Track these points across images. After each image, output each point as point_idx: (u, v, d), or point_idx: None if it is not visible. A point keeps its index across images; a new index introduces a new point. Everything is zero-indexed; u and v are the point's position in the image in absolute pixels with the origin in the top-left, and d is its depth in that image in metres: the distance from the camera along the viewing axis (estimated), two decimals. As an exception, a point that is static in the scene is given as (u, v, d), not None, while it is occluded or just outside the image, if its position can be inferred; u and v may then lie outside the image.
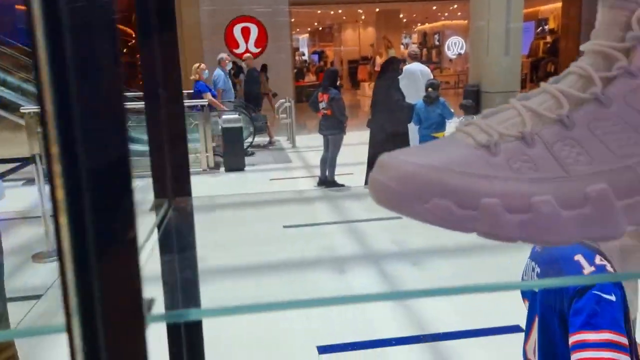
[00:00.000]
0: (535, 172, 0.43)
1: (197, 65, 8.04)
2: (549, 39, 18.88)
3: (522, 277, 1.34)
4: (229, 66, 8.75)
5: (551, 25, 19.09)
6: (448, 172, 0.43)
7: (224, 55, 8.97)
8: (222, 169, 7.54)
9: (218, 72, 8.55)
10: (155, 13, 0.59)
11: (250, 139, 8.33)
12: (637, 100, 0.44)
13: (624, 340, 1.08)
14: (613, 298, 1.09)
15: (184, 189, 0.63)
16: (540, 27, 19.68)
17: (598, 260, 1.13)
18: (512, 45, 10.96)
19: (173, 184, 0.61)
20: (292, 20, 14.82)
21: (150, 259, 0.52)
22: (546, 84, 0.48)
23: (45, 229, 4.58)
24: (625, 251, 1.44)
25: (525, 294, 1.41)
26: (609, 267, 1.11)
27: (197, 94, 7.80)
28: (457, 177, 0.43)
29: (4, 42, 8.78)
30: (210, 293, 0.56)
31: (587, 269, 1.11)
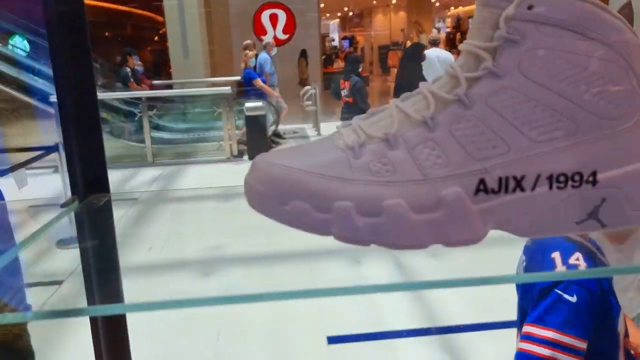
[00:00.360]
0: (392, 175, 0.43)
1: (245, 52, 8.16)
2: None
3: (517, 270, 1.33)
4: (274, 51, 8.82)
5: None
6: (308, 175, 0.43)
7: (269, 40, 9.04)
8: (246, 157, 7.59)
9: (264, 56, 8.62)
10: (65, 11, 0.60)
11: (273, 127, 8.35)
12: (498, 102, 0.43)
13: (572, 342, 1.06)
14: (573, 299, 1.07)
15: (102, 186, 0.64)
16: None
17: (573, 259, 1.11)
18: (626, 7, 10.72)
19: (87, 180, 0.62)
20: (322, 5, 14.74)
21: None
22: (424, 83, 0.48)
23: (69, 216, 4.68)
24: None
25: (517, 288, 1.40)
26: (581, 267, 1.09)
27: (248, 81, 7.90)
28: (316, 179, 0.43)
29: (36, 31, 8.97)
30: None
31: (559, 267, 1.10)
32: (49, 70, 8.39)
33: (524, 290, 1.27)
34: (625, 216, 0.44)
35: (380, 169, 0.43)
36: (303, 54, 11.20)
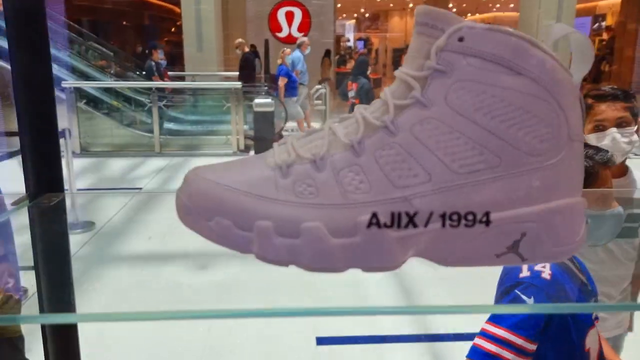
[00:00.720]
0: (315, 198, 0.43)
1: (282, 50, 8.25)
2: (605, 36, 18.21)
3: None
4: (308, 50, 8.91)
5: (608, 21, 18.40)
6: (233, 192, 0.44)
7: (304, 38, 9.11)
8: (252, 152, 7.61)
9: (297, 54, 8.71)
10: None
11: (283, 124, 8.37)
12: (423, 131, 0.43)
13: (521, 342, 1.09)
14: (530, 301, 1.09)
15: (57, 185, 0.64)
16: (597, 24, 19.00)
17: (539, 266, 1.12)
18: (562, 39, 10.64)
19: (41, 178, 0.63)
20: (339, 5, 14.72)
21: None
22: (359, 106, 0.48)
23: (72, 201, 4.73)
24: None
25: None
26: (544, 275, 1.10)
27: (278, 78, 7.98)
28: (240, 197, 0.44)
29: (53, 16, 9.02)
30: None
31: (523, 272, 1.12)
32: (64, 56, 8.43)
33: (497, 289, 1.28)
34: (546, 252, 0.45)
35: (304, 190, 0.44)
36: (327, 54, 11.27)
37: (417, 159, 0.43)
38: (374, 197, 0.43)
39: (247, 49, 9.74)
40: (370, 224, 0.42)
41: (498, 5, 20.42)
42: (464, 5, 21.33)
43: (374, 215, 0.42)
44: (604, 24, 18.67)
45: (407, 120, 0.44)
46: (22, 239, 0.62)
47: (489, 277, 1.03)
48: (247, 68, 9.29)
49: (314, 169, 0.44)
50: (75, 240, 4.52)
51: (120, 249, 4.21)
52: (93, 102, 7.73)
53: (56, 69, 8.14)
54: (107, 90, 8.11)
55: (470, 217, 0.43)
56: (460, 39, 0.43)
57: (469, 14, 22.34)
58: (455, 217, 0.43)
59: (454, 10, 21.41)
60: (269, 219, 0.43)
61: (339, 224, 0.43)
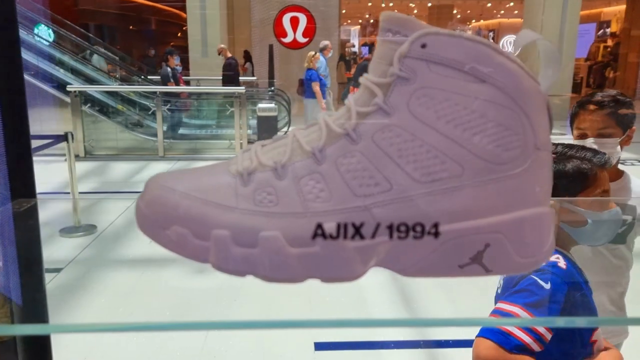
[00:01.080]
0: (274, 206, 0.43)
1: (312, 53, 8.19)
2: (609, 42, 18.15)
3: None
4: (331, 54, 8.91)
5: (613, 28, 18.35)
6: (191, 199, 0.43)
7: (327, 42, 9.11)
8: (256, 156, 7.60)
9: (320, 58, 8.67)
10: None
11: (285, 129, 8.37)
12: (385, 139, 0.43)
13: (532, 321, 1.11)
14: (547, 286, 1.09)
15: (29, 191, 0.64)
16: (602, 30, 18.95)
17: (554, 257, 1.13)
18: (566, 47, 10.62)
19: (13, 184, 0.62)
20: (343, 11, 14.73)
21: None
22: (324, 113, 0.47)
23: (74, 205, 4.74)
24: None
25: (500, 281, 1.42)
26: (560, 264, 1.13)
27: (308, 82, 7.97)
28: (198, 205, 0.43)
29: (60, 21, 9.06)
30: None
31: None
32: (70, 60, 8.45)
33: (507, 282, 1.26)
34: (511, 263, 0.44)
35: (264, 198, 0.43)
36: (342, 58, 11.29)
37: (378, 167, 0.42)
38: (333, 206, 0.42)
39: (229, 54, 9.75)
40: (329, 234, 0.41)
41: (502, 12, 20.40)
42: (469, 11, 21.33)
43: (332, 224, 0.42)
44: (608, 30, 18.61)
45: (369, 127, 0.43)
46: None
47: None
48: (231, 70, 9.33)
49: (275, 176, 0.44)
50: (77, 243, 4.53)
51: (121, 252, 4.21)
52: (98, 105, 7.76)
53: (61, 73, 8.19)
54: (112, 94, 8.14)
55: (418, 229, 0.42)
56: (423, 46, 0.42)
57: (474, 20, 22.33)
58: (419, 228, 0.42)
59: (458, 16, 21.41)
60: (226, 227, 0.42)
61: (297, 233, 0.42)
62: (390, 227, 0.42)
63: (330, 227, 0.41)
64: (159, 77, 8.94)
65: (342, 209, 0.42)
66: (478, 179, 0.42)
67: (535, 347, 1.08)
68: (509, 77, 0.42)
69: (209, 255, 0.42)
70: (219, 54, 9.70)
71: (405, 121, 0.42)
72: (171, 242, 0.43)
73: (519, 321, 1.17)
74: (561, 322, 1.03)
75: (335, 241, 0.41)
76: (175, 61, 9.24)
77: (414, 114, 0.42)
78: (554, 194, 0.47)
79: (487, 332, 1.12)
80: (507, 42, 19.81)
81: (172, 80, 8.82)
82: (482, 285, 0.87)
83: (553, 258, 1.12)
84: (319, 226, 0.41)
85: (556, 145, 1.26)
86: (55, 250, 4.36)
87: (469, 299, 2.16)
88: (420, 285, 3.36)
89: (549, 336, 1.10)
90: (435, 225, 0.42)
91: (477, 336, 1.14)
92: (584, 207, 1.14)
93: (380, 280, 3.65)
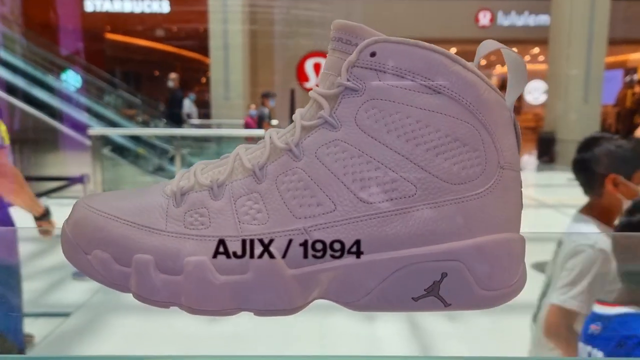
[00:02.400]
0: (205, 229, 0.38)
1: None
2: (637, 89, 18.00)
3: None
4: None
5: (640, 75, 18.23)
6: (115, 222, 0.39)
7: None
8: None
9: None
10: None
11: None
12: (329, 154, 0.38)
13: None
14: None
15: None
16: (629, 77, 18.83)
17: None
18: (592, 93, 10.56)
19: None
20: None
21: None
22: (272, 130, 0.43)
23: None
24: None
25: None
26: None
27: None
28: (121, 227, 0.39)
29: (89, 68, 9.29)
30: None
31: None
32: (93, 104, 8.62)
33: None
34: (473, 296, 0.39)
35: (195, 220, 0.39)
36: None
37: (320, 185, 0.38)
38: (270, 229, 0.38)
39: (177, 85, 8.98)
40: (262, 260, 0.37)
41: (528, 58, 20.45)
42: (493, 57, 21.43)
43: (267, 249, 0.37)
44: (635, 76, 18.48)
45: (312, 142, 0.39)
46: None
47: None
48: (174, 106, 8.68)
49: (210, 196, 0.40)
50: (89, 287, 4.50)
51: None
52: (118, 149, 7.85)
53: (86, 117, 8.34)
54: (133, 137, 8.24)
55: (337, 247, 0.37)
56: (373, 54, 0.39)
57: (498, 66, 22.42)
58: (344, 251, 0.37)
59: (483, 62, 21.50)
60: (150, 252, 0.38)
61: (228, 259, 0.37)
62: (333, 252, 0.37)
63: (264, 252, 0.37)
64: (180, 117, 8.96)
65: (279, 231, 0.38)
66: (433, 200, 0.38)
67: None
68: (466, 88, 0.38)
69: (131, 283, 0.38)
70: (169, 81, 8.81)
71: (352, 135, 0.38)
72: (92, 268, 0.39)
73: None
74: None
75: (270, 268, 0.37)
76: (270, 104, 9.24)
77: (362, 127, 0.38)
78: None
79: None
80: (533, 88, 19.83)
81: (267, 120, 8.78)
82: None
83: None
84: (255, 251, 0.37)
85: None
86: (66, 293, 4.34)
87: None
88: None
89: None
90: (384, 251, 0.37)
91: None
92: None
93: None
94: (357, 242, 0.37)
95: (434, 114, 0.38)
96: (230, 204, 0.39)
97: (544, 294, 1.37)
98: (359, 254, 0.37)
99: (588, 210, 1.46)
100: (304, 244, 0.37)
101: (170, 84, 8.56)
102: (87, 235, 0.39)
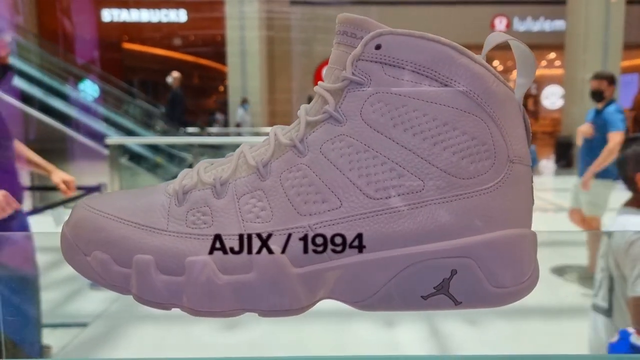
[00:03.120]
0: (208, 228, 0.38)
1: None
2: (655, 93, 17.79)
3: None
4: None
5: (657, 78, 18.00)
6: (115, 222, 0.38)
7: None
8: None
9: None
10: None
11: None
12: (334, 150, 0.38)
13: None
14: None
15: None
16: (645, 80, 18.61)
17: None
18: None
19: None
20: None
21: None
22: (276, 127, 0.43)
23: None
24: None
25: None
26: None
27: None
28: (122, 227, 0.38)
29: (106, 77, 9.38)
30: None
31: None
32: (115, 116, 8.68)
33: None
34: (484, 294, 0.37)
35: (197, 219, 0.38)
36: None
37: (326, 182, 0.37)
38: (274, 227, 0.37)
39: (178, 84, 8.66)
40: (265, 259, 0.36)
41: (545, 63, 20.27)
42: (509, 63, 21.28)
43: (275, 247, 0.36)
44: (652, 80, 18.25)
45: (317, 138, 0.38)
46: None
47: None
48: (175, 105, 8.59)
49: (213, 194, 0.39)
50: (106, 296, 4.52)
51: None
52: (136, 158, 7.90)
53: (104, 127, 8.41)
54: (151, 146, 8.28)
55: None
56: (378, 47, 0.38)
57: (515, 71, 22.23)
58: (345, 246, 0.36)
59: (500, 67, 21.41)
60: (150, 252, 0.37)
61: (231, 258, 0.36)
62: (339, 250, 0.36)
63: (269, 251, 0.36)
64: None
65: (283, 229, 0.37)
66: (441, 195, 0.37)
67: None
68: (474, 81, 0.37)
69: (131, 284, 0.37)
70: (170, 80, 8.79)
71: (357, 130, 0.37)
72: (91, 270, 0.38)
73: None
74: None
75: (274, 267, 0.36)
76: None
77: (368, 121, 0.37)
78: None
79: None
80: (550, 93, 19.66)
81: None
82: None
83: None
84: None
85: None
86: (83, 304, 4.36)
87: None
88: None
89: None
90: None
91: None
92: None
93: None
94: (359, 236, 0.36)
95: (441, 107, 0.37)
96: (234, 202, 0.38)
97: (610, 289, 1.39)
98: (361, 248, 0.36)
99: (631, 203, 1.67)
100: (307, 242, 0.36)
101: (170, 79, 8.26)
102: (87, 236, 0.38)
